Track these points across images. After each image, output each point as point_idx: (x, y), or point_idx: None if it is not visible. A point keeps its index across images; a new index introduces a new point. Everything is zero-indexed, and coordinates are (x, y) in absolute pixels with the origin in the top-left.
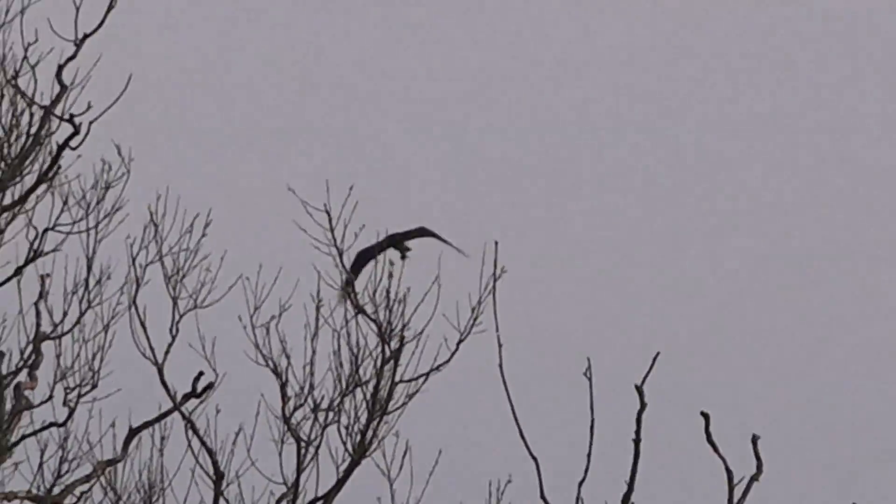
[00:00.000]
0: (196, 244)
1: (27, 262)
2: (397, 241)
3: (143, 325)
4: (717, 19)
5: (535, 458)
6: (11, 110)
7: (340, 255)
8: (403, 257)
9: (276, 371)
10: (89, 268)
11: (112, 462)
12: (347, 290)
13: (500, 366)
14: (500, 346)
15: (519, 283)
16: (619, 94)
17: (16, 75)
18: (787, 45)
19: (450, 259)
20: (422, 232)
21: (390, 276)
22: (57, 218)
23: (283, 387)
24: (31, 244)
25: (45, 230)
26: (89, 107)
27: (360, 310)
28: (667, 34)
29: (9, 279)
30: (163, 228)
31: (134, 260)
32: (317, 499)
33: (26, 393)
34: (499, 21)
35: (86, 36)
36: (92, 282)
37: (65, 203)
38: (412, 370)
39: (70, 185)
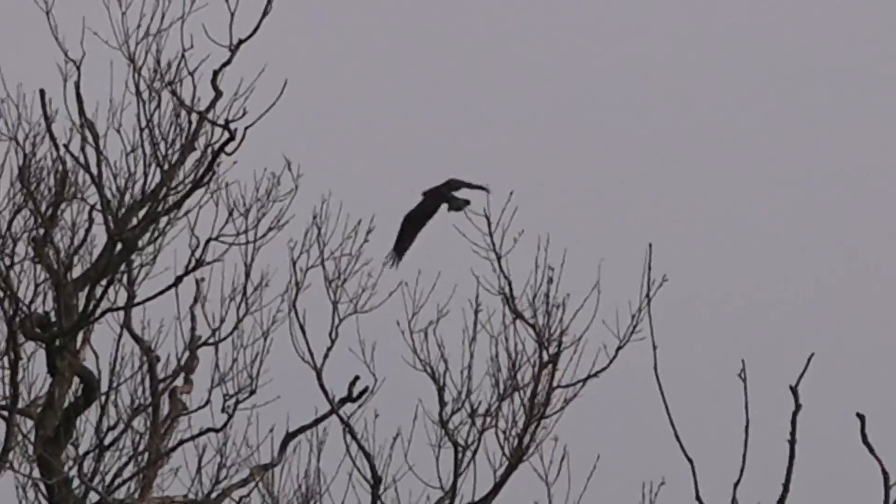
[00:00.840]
0: (358, 249)
1: (188, 272)
2: (446, 198)
3: (302, 328)
4: None
5: (690, 460)
6: (170, 116)
7: (499, 259)
8: (452, 209)
9: (433, 376)
10: (247, 275)
11: (269, 466)
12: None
13: (655, 368)
14: (654, 348)
15: (677, 288)
16: None
17: (173, 81)
18: None
19: (611, 265)
20: (453, 184)
21: (549, 280)
22: (221, 228)
23: (440, 391)
24: (192, 253)
25: (208, 240)
26: (245, 112)
27: (518, 315)
28: None
29: (169, 288)
30: (325, 232)
31: (295, 263)
32: (474, 503)
33: (182, 397)
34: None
35: (241, 42)
36: (250, 288)
37: (230, 214)
38: (570, 375)
39: (229, 191)
